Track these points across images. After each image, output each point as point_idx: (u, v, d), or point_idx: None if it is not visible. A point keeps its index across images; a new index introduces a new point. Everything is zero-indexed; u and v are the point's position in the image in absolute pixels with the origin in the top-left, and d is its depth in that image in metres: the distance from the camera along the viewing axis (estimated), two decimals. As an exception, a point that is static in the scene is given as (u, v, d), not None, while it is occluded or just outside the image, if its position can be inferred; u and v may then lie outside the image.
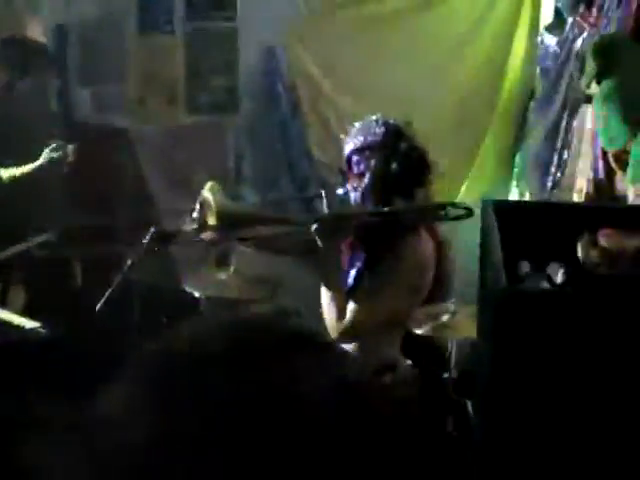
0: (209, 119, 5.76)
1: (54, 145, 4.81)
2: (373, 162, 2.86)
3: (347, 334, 2.88)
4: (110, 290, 3.29)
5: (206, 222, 2.73)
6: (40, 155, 4.84)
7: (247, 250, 5.06)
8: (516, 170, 4.87)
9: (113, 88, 5.84)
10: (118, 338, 3.66)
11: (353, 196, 2.93)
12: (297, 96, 5.43)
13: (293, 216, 3.00)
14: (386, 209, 2.84)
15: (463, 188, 5.06)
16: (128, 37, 5.76)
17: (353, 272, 2.96)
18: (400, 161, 2.85)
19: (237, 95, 5.69)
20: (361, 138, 2.90)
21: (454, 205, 2.86)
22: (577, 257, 1.59)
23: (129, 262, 3.45)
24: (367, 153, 2.88)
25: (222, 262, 5.26)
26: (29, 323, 3.82)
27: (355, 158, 2.91)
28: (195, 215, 2.79)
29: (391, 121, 2.92)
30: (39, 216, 5.06)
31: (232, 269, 4.70)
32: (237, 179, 5.66)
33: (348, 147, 2.94)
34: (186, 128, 5.77)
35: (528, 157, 4.59)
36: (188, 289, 4.19)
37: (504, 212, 1.63)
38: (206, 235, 2.78)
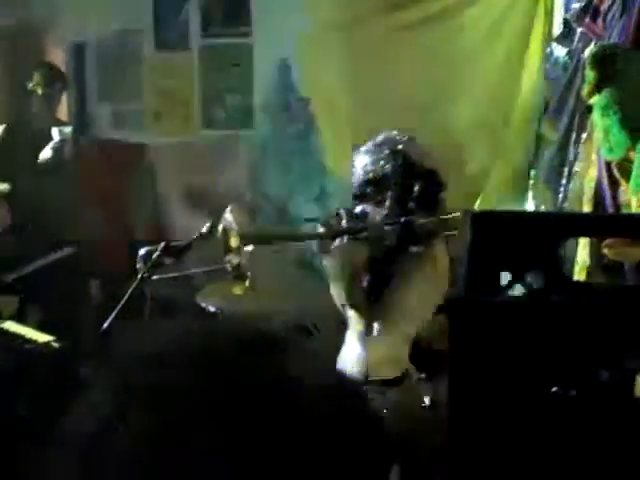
0: (225, 134, 5.80)
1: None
2: (390, 194, 2.85)
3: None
4: (119, 306, 3.27)
5: (230, 245, 2.75)
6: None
7: (263, 264, 5.06)
8: (531, 182, 4.84)
9: (130, 104, 5.90)
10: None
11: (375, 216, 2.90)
12: (312, 110, 5.44)
13: (314, 232, 2.98)
14: (402, 219, 2.82)
15: (477, 203, 5.02)
16: (144, 54, 5.82)
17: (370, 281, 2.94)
18: (417, 199, 2.86)
19: (252, 110, 5.72)
20: (371, 170, 2.89)
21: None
22: (557, 265, 1.58)
23: (139, 276, 3.44)
24: (380, 186, 2.88)
25: (238, 277, 5.27)
26: (42, 337, 3.85)
27: (369, 189, 2.89)
28: (219, 239, 2.83)
29: (399, 147, 2.88)
30: (57, 231, 5.11)
31: (248, 284, 4.70)
32: (252, 193, 5.67)
33: (359, 177, 2.92)
34: (202, 143, 5.80)
35: (543, 169, 4.55)
36: (203, 304, 4.19)
37: (485, 223, 1.62)
38: (229, 258, 2.79)
